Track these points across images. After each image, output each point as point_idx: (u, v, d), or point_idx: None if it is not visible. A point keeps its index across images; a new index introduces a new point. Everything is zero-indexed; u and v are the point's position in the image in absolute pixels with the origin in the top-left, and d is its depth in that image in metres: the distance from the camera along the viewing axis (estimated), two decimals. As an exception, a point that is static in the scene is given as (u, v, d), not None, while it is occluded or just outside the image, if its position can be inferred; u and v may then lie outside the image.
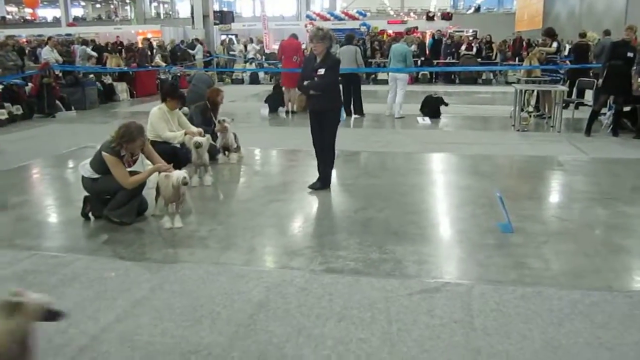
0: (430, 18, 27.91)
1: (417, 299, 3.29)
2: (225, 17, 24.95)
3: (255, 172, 6.86)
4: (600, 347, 2.77)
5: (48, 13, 52.07)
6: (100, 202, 4.78)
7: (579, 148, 7.75)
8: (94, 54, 16.31)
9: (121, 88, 14.79)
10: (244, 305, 3.23)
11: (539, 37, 11.97)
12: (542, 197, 5.76)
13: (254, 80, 19.44)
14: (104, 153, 4.58)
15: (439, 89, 15.80)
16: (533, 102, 10.86)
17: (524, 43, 20.38)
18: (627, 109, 8.68)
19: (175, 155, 5.84)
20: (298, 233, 4.57)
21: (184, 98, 6.32)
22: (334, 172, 5.95)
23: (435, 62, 19.18)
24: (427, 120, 10.54)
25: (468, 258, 3.96)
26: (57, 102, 11.67)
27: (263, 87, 16.86)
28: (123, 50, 18.80)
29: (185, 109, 7.96)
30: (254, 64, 20.85)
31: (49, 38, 16.53)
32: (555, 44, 11.17)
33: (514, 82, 12.70)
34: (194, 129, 6.21)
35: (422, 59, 18.88)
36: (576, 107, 10.32)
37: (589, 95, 10.65)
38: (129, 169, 4.73)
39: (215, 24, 22.69)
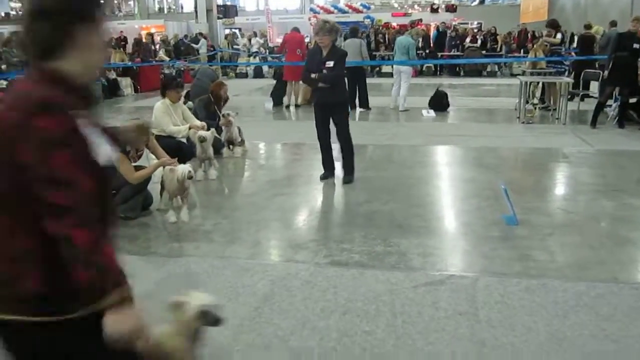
0: (434, 10, 27.68)
1: (422, 291, 3.29)
2: (228, 11, 24.89)
3: (259, 166, 6.86)
4: (606, 339, 2.77)
5: (52, 8, 52.08)
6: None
7: (585, 140, 7.71)
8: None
9: (125, 83, 14.82)
10: (249, 299, 3.24)
11: (544, 29, 11.86)
12: (547, 190, 5.75)
13: (258, 74, 19.42)
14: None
15: (443, 81, 15.74)
16: (538, 94, 10.81)
17: (529, 35, 20.20)
18: (633, 100, 8.64)
19: (180, 150, 5.84)
20: (303, 226, 4.58)
21: (182, 85, 6.32)
22: (337, 166, 5.95)
23: (439, 54, 19.08)
24: (432, 112, 10.51)
25: (473, 250, 3.96)
26: (62, 97, 11.68)
27: (267, 80, 16.82)
28: (127, 45, 18.79)
29: (190, 103, 7.97)
30: (257, 57, 20.82)
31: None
32: (559, 35, 11.10)
33: (518, 74, 12.64)
34: (198, 122, 6.21)
35: (427, 51, 18.80)
36: (581, 99, 10.26)
37: (594, 86, 10.60)
38: (134, 164, 4.75)
39: (218, 18, 22.64)
